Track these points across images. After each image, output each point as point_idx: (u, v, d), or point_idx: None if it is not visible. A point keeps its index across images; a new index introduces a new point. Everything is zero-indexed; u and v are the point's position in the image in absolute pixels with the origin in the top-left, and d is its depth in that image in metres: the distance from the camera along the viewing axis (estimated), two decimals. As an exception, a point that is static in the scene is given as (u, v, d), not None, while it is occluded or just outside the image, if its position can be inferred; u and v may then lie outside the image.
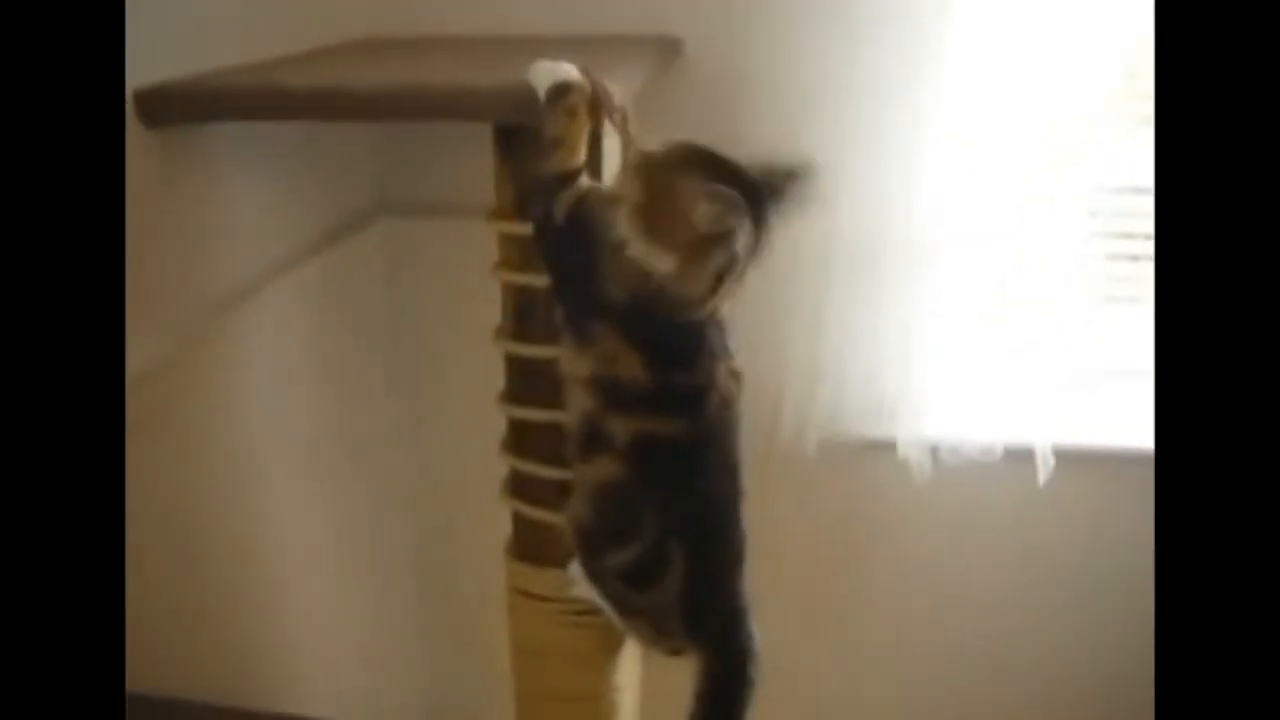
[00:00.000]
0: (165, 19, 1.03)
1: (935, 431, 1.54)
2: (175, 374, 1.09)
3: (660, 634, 1.04)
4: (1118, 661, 1.64)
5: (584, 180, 0.94)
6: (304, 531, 1.41)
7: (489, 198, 1.06)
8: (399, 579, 1.76)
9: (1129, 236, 1.52)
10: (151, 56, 0.99)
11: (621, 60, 1.12)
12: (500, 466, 1.15)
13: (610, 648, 1.15)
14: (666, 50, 1.35)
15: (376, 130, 1.52)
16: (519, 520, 1.16)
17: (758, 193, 0.86)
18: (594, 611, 1.06)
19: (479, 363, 1.12)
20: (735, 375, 0.94)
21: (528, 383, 1.08)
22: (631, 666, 1.20)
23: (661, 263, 0.85)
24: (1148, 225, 1.50)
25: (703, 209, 0.83)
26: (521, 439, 1.11)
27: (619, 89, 0.95)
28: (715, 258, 0.84)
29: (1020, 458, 1.52)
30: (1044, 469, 1.52)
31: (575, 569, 1.04)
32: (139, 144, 0.99)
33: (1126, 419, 1.53)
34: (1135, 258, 1.55)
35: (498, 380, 1.11)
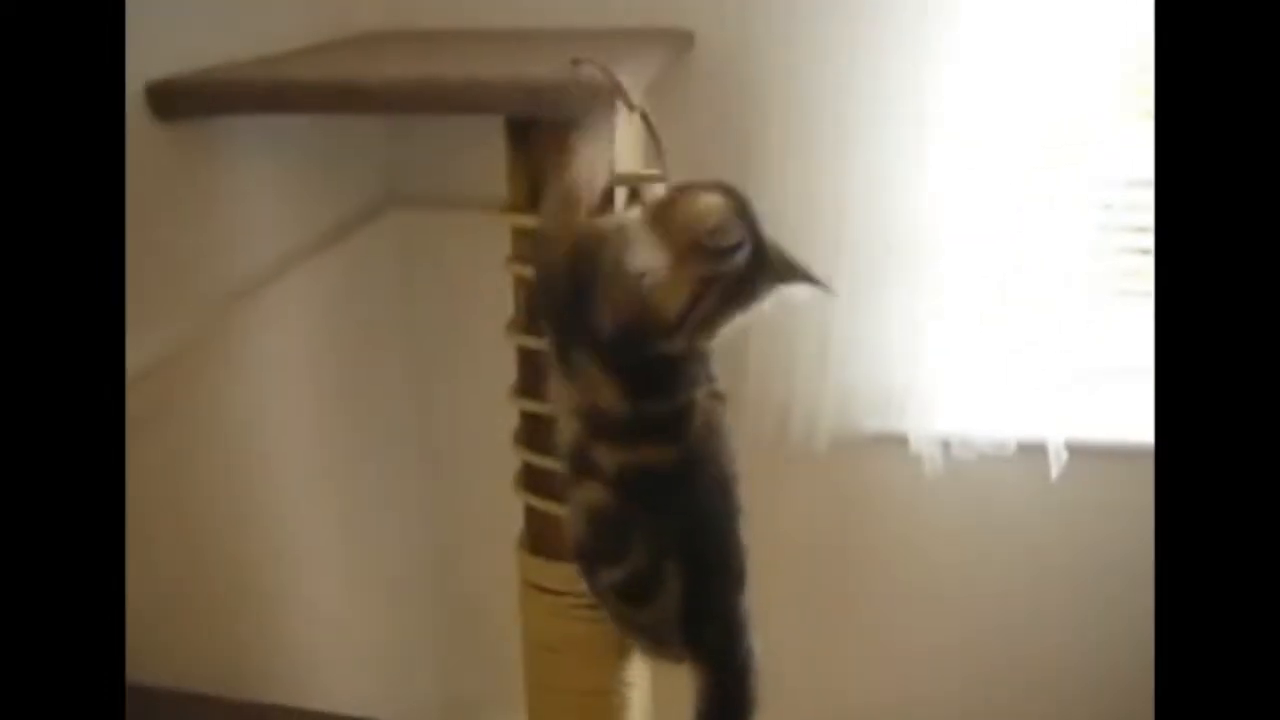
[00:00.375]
0: (177, 12, 1.03)
1: (947, 426, 1.53)
2: (186, 366, 1.09)
3: (660, 646, 1.05)
4: (1129, 654, 1.62)
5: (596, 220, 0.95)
6: (315, 524, 1.41)
7: (501, 190, 1.06)
8: (411, 572, 1.76)
9: (1142, 230, 1.51)
10: (163, 50, 1.00)
11: (633, 53, 1.12)
12: (512, 459, 1.15)
13: (622, 643, 1.15)
14: (678, 43, 1.35)
15: (388, 123, 1.52)
16: (531, 513, 1.16)
17: (766, 249, 0.88)
18: (605, 606, 1.06)
19: (491, 356, 1.12)
20: (718, 397, 0.95)
21: (539, 375, 1.08)
22: (643, 662, 1.20)
23: (654, 259, 0.86)
24: (1160, 219, 1.49)
25: (712, 213, 0.85)
26: (533, 432, 1.11)
27: (632, 82, 0.95)
28: (702, 266, 0.85)
29: (1032, 452, 1.51)
30: (1056, 464, 1.51)
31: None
32: (150, 137, 0.99)
33: (1139, 413, 1.52)
34: (1148, 251, 1.54)
35: (510, 373, 1.11)
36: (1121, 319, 1.55)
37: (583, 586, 1.06)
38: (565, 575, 1.09)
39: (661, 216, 0.88)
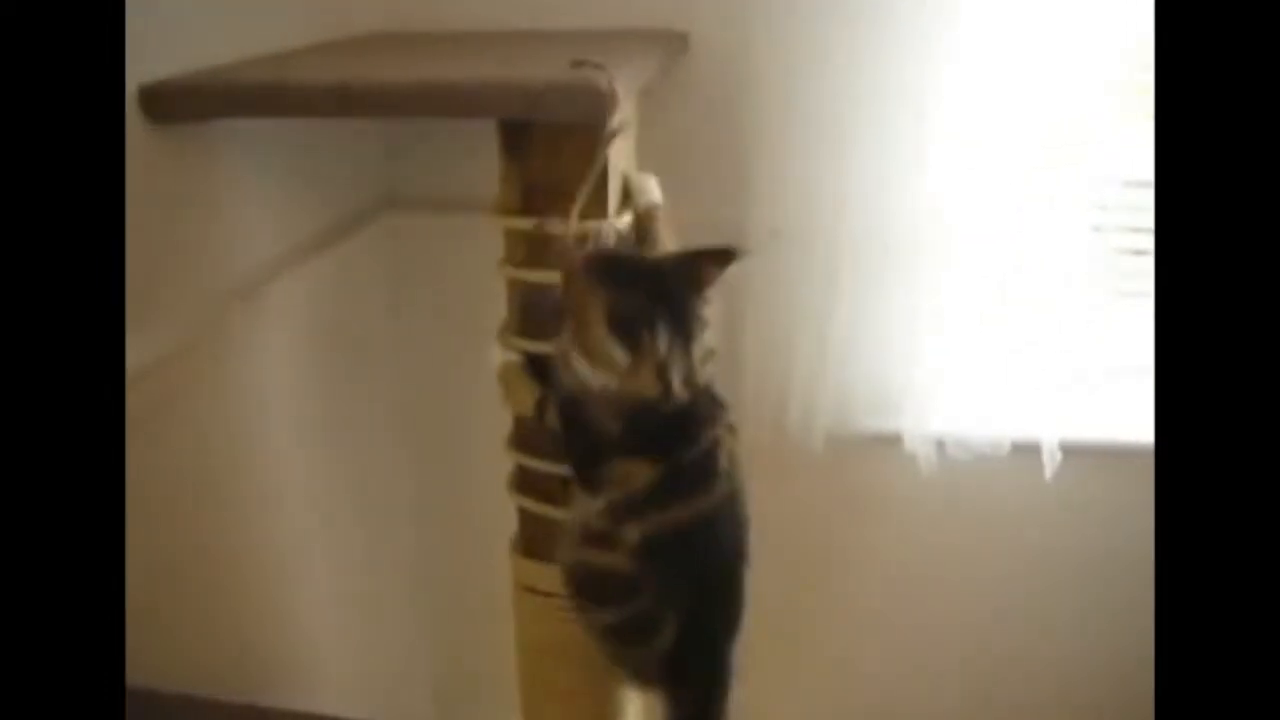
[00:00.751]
0: (171, 14, 1.02)
1: (942, 425, 1.53)
2: (181, 368, 1.09)
3: (639, 681, 1.06)
4: (1125, 655, 1.63)
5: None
6: (308, 526, 1.41)
7: (495, 193, 1.05)
8: (405, 574, 1.77)
9: (1139, 231, 1.51)
10: (157, 52, 0.99)
11: (628, 55, 1.11)
12: (506, 462, 1.15)
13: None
14: (673, 45, 1.34)
15: (382, 126, 1.52)
16: (525, 516, 1.16)
17: (669, 285, 0.87)
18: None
19: (484, 359, 1.12)
20: (732, 430, 0.97)
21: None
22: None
23: (607, 379, 0.87)
24: (1157, 220, 1.48)
25: (611, 321, 0.85)
26: (527, 435, 1.11)
27: (627, 83, 0.95)
28: (648, 358, 0.86)
29: (1027, 452, 1.51)
30: (1051, 463, 1.51)
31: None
32: (145, 140, 0.99)
33: (1134, 413, 1.52)
34: (1146, 252, 1.54)
35: (504, 376, 1.11)
36: (1119, 319, 1.55)
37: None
38: (559, 577, 1.09)
39: (582, 338, 0.88)
